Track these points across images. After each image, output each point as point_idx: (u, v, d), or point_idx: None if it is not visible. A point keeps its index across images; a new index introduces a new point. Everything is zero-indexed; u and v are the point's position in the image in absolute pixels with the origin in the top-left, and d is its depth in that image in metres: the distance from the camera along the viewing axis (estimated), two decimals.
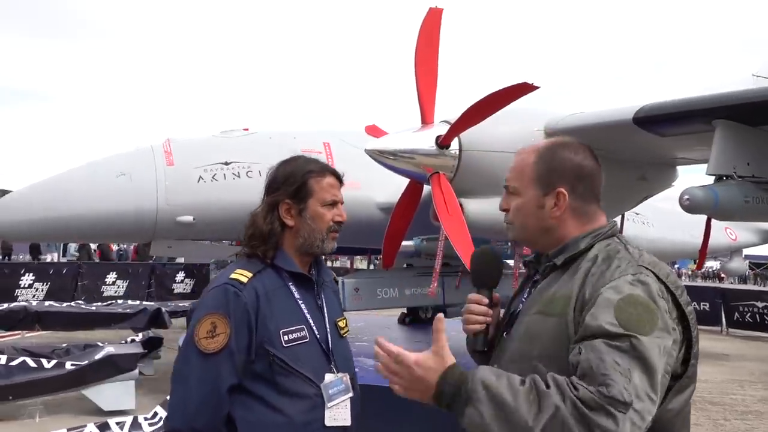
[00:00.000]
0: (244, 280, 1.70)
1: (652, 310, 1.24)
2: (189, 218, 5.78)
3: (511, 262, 5.63)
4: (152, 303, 10.10)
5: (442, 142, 4.77)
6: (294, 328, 1.72)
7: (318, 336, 1.77)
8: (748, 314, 13.33)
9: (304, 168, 1.83)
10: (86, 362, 5.63)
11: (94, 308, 8.96)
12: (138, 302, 10.09)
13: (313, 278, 1.84)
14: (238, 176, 6.01)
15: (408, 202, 5.21)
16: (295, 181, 1.80)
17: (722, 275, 36.12)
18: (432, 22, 5.04)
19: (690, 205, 4.00)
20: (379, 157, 4.84)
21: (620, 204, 5.78)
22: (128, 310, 8.95)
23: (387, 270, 6.30)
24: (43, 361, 5.55)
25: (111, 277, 13.07)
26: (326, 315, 1.84)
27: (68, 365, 5.55)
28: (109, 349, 5.81)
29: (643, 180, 5.67)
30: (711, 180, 4.29)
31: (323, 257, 1.93)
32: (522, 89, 4.14)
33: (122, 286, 13.13)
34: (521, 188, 1.50)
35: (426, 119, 4.98)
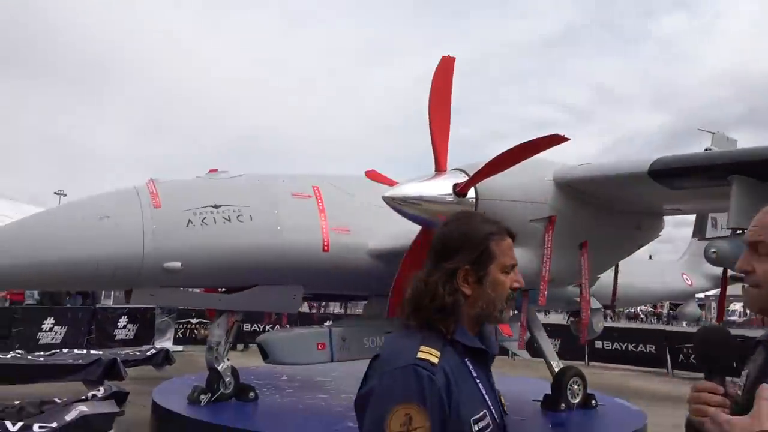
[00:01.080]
0: (435, 360, 1.46)
1: None
2: (177, 264, 5.40)
3: None
4: (105, 351, 9.35)
5: (460, 191, 4.70)
6: (480, 414, 1.50)
7: (497, 420, 1.57)
8: (692, 356, 13.87)
9: (483, 229, 1.64)
10: (56, 424, 5.06)
11: (42, 359, 8.19)
12: (85, 351, 9.32)
13: (488, 352, 1.65)
14: (229, 220, 5.71)
15: (420, 249, 5.07)
16: (476, 244, 1.61)
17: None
18: (445, 70, 5.03)
19: (716, 257, 4.08)
20: (395, 203, 4.71)
21: (619, 252, 5.90)
22: (80, 361, 8.25)
23: (371, 318, 6.10)
24: (7, 424, 4.94)
25: (48, 322, 12.00)
26: (496, 393, 1.65)
27: (36, 428, 4.96)
28: (82, 409, 5.27)
29: (638, 229, 5.82)
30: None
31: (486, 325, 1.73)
32: (553, 140, 4.15)
33: (60, 332, 12.09)
34: None
35: (440, 167, 4.92)
